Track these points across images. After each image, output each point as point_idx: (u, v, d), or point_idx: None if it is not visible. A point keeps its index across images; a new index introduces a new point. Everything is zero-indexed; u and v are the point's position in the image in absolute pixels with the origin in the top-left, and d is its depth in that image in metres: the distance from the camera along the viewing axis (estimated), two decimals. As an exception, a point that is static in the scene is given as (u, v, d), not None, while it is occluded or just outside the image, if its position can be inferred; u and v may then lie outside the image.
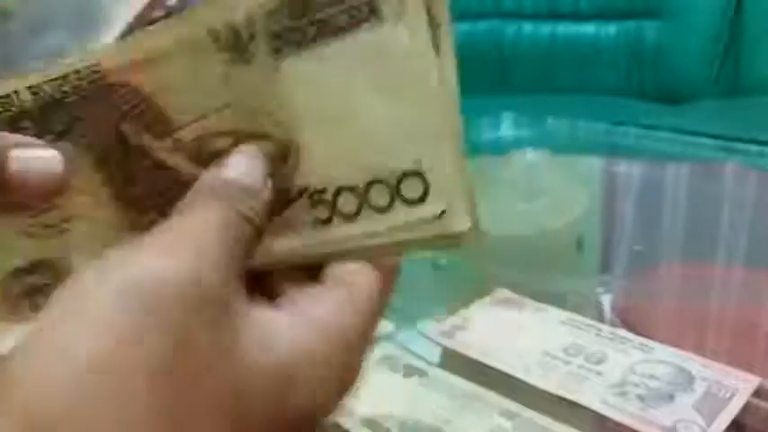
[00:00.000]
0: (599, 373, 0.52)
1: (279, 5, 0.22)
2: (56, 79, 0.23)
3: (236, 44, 0.22)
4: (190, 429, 0.20)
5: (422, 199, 0.23)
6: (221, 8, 0.22)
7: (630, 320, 0.60)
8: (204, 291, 0.21)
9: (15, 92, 0.23)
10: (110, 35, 0.24)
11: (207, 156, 0.23)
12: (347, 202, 0.23)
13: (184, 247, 0.22)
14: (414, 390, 0.51)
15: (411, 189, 0.23)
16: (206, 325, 0.21)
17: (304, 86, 0.22)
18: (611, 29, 2.02)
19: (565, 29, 2.07)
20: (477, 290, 0.65)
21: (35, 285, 0.25)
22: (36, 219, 0.24)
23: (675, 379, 0.51)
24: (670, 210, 0.92)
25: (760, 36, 1.85)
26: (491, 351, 0.56)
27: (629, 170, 1.08)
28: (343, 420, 0.47)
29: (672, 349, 0.54)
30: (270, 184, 0.24)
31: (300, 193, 0.23)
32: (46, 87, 0.23)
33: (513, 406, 0.49)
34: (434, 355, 0.57)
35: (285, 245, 0.24)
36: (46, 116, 0.23)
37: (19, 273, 0.25)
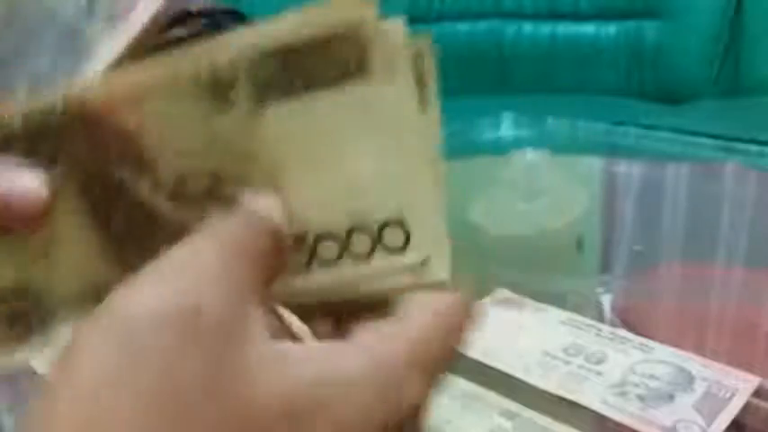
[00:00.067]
0: (599, 373, 0.52)
1: (264, 55, 0.22)
2: (42, 108, 0.23)
3: (216, 89, 0.22)
4: None
5: (403, 248, 0.23)
6: (206, 52, 0.23)
7: (630, 320, 0.60)
8: (197, 318, 0.20)
9: (7, 115, 0.23)
10: (93, 66, 0.25)
11: (188, 196, 0.23)
12: (328, 249, 0.23)
13: (176, 274, 0.21)
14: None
15: (393, 238, 0.23)
16: (201, 355, 0.19)
17: (287, 133, 0.23)
18: (611, 29, 2.02)
19: (565, 29, 2.07)
20: (476, 290, 0.65)
21: (16, 310, 0.25)
22: (19, 243, 0.24)
23: (675, 379, 0.51)
24: (670, 210, 0.92)
25: (760, 36, 1.85)
26: (491, 351, 0.56)
27: (629, 170, 1.08)
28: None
29: (672, 349, 0.54)
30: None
31: None
32: (33, 115, 0.23)
33: (513, 406, 0.49)
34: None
35: None
36: (33, 142, 0.23)
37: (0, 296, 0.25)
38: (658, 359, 0.53)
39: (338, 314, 0.25)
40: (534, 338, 0.57)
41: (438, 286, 0.24)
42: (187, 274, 0.21)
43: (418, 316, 0.24)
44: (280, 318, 0.25)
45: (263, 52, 0.22)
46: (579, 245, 0.78)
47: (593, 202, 0.91)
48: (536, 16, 2.11)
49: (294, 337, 0.25)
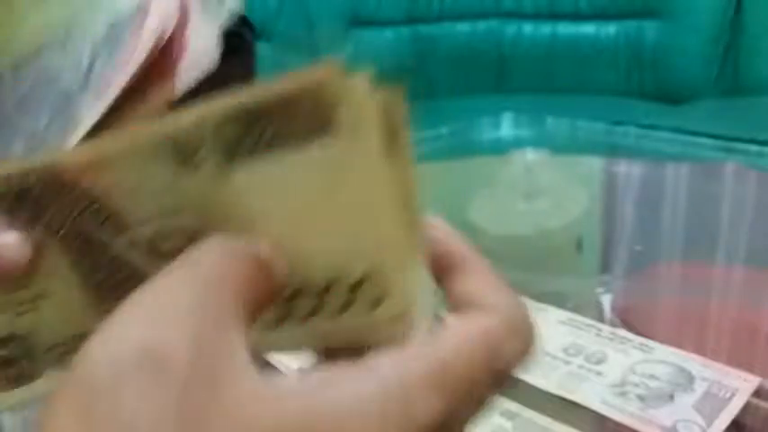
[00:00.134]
0: (599, 373, 0.52)
1: (229, 118, 0.23)
2: (24, 171, 0.24)
3: (182, 153, 0.23)
4: None
5: (379, 301, 0.23)
6: (172, 119, 0.23)
7: (630, 320, 0.60)
8: (164, 361, 0.18)
9: None
10: (78, 132, 0.25)
11: (164, 252, 0.24)
12: (303, 304, 0.23)
13: (143, 313, 0.20)
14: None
15: (368, 292, 0.23)
16: (170, 402, 0.18)
17: (258, 191, 0.23)
18: (611, 29, 2.02)
19: (565, 29, 2.07)
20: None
21: (6, 358, 0.26)
22: (8, 296, 0.25)
23: (675, 379, 0.51)
24: (670, 210, 0.92)
25: (760, 36, 1.85)
26: (491, 351, 0.56)
27: (629, 170, 1.08)
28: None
29: (672, 349, 0.54)
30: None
31: None
32: (15, 177, 0.24)
33: (513, 406, 0.49)
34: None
35: None
36: (16, 202, 0.24)
37: None
38: (658, 359, 0.53)
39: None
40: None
41: (417, 332, 0.23)
42: (154, 312, 0.20)
43: (444, 338, 0.23)
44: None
45: (228, 115, 0.23)
46: (579, 245, 0.78)
47: (593, 202, 0.91)
48: (536, 16, 2.11)
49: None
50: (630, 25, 2.00)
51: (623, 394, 0.50)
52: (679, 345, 0.55)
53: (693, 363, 0.52)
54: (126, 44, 0.25)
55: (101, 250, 0.24)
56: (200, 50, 0.27)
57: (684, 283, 0.72)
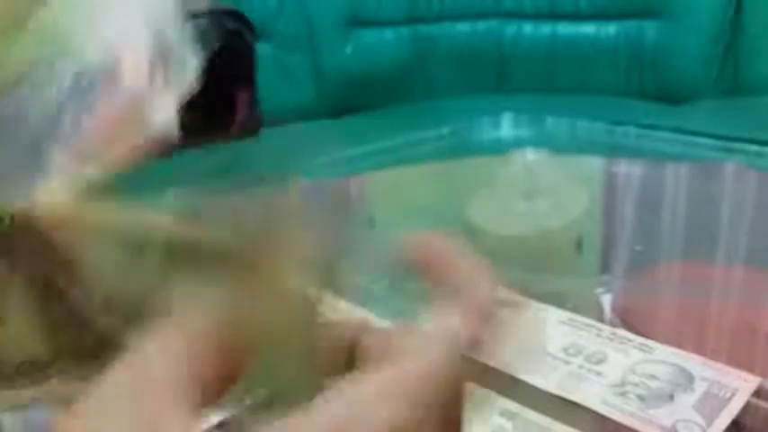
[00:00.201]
0: (599, 373, 0.52)
1: (174, 239, 0.25)
2: None
3: (134, 243, 0.25)
4: None
5: None
6: (130, 209, 0.25)
7: (630, 320, 0.60)
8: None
9: None
10: (48, 181, 0.26)
11: (116, 311, 0.25)
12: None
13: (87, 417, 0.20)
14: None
15: None
16: None
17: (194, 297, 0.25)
18: (611, 29, 2.02)
19: (565, 29, 2.07)
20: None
21: None
22: None
23: (675, 379, 0.51)
24: (670, 210, 0.92)
25: (760, 36, 1.85)
26: (491, 351, 0.55)
27: (629, 170, 1.08)
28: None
29: (672, 349, 0.54)
30: None
31: None
32: None
33: (513, 406, 0.49)
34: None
35: None
36: None
37: None
38: (658, 359, 0.53)
39: None
40: (534, 338, 0.57)
41: None
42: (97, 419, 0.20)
43: (398, 357, 0.24)
44: None
45: (165, 232, 0.25)
46: (579, 245, 0.78)
47: (593, 202, 0.91)
48: (536, 16, 2.11)
49: None
50: (630, 25, 1.99)
51: (623, 394, 0.50)
52: (679, 345, 0.55)
53: (693, 363, 0.52)
54: (96, 99, 0.25)
55: (60, 295, 0.25)
56: (159, 119, 0.27)
57: (684, 283, 0.72)
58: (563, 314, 0.60)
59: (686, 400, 0.48)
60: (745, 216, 0.88)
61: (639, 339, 0.55)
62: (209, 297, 0.24)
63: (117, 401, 0.20)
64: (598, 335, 0.57)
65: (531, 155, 0.86)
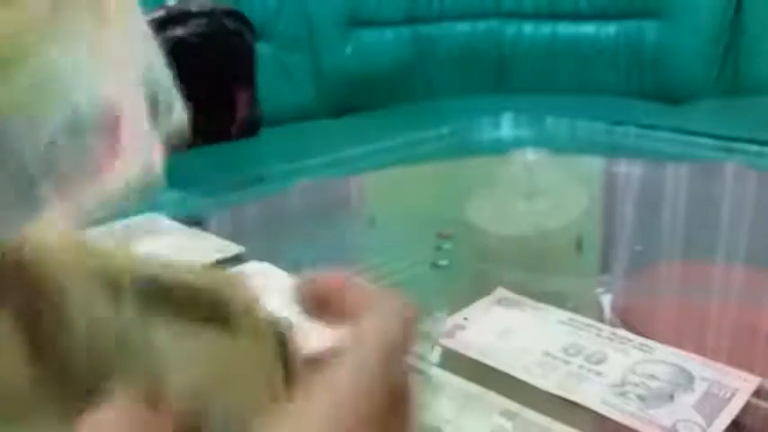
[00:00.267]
0: (599, 373, 0.52)
1: (144, 278, 0.26)
2: None
3: (113, 287, 0.26)
4: None
5: None
6: (108, 256, 0.26)
7: (630, 320, 0.60)
8: None
9: None
10: (40, 218, 0.27)
11: (99, 350, 0.25)
12: None
13: None
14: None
15: None
16: None
17: (173, 348, 0.26)
18: (611, 29, 2.02)
19: (565, 29, 2.07)
20: (477, 290, 0.65)
21: None
22: None
23: (675, 379, 0.51)
24: (670, 210, 0.92)
25: (760, 36, 1.85)
26: (491, 351, 0.56)
27: (629, 170, 1.08)
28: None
29: (672, 349, 0.54)
30: None
31: None
32: None
33: (513, 406, 0.49)
34: (434, 355, 0.57)
35: None
36: None
37: None
38: (658, 359, 0.53)
39: None
40: (534, 338, 0.57)
41: None
42: None
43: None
44: None
45: (143, 276, 0.26)
46: (579, 245, 0.78)
47: (593, 202, 0.91)
48: (536, 16, 2.11)
49: None
50: (630, 25, 2.00)
51: (623, 394, 0.50)
52: (679, 345, 0.55)
53: (693, 363, 0.52)
54: (90, 139, 0.26)
55: (46, 331, 0.25)
56: (145, 163, 0.27)
57: (684, 282, 0.72)
58: (563, 314, 0.60)
59: (686, 400, 0.48)
60: (745, 216, 0.88)
61: (639, 339, 0.55)
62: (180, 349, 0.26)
63: None
64: (598, 335, 0.57)
65: (531, 155, 0.86)
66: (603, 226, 0.89)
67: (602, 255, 0.80)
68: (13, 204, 0.25)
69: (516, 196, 0.83)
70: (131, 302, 0.25)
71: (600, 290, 0.67)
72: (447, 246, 0.75)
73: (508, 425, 0.47)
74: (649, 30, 1.97)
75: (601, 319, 0.60)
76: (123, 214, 0.76)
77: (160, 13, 1.69)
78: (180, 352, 0.26)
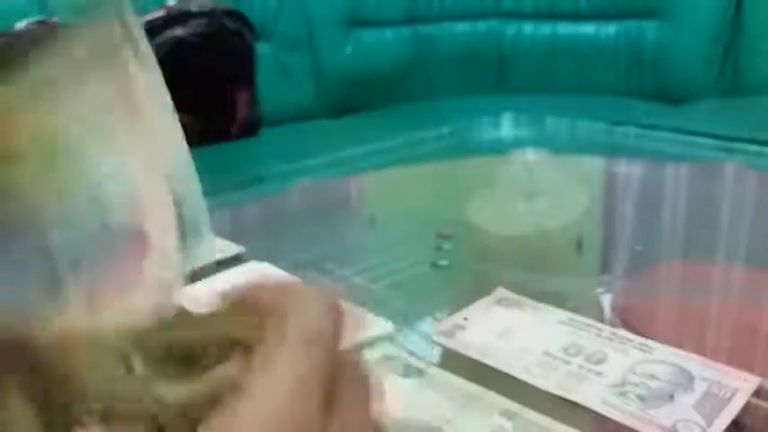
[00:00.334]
0: (599, 373, 0.52)
1: (158, 344, 0.26)
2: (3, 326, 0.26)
3: (122, 356, 0.26)
4: None
5: None
6: (121, 322, 0.26)
7: (630, 320, 0.60)
8: None
9: None
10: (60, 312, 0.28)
11: (116, 419, 0.26)
12: None
13: None
14: (414, 390, 0.51)
15: None
16: None
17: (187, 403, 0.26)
18: (611, 29, 2.02)
19: (565, 29, 2.07)
20: (477, 290, 0.65)
21: None
22: None
23: (675, 379, 0.51)
24: (670, 210, 0.92)
25: (760, 36, 1.85)
26: (491, 351, 0.56)
27: (629, 170, 1.08)
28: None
29: (672, 349, 0.54)
30: None
31: None
32: None
33: (513, 406, 0.49)
34: (434, 355, 0.57)
35: None
36: None
37: None
38: (658, 359, 0.53)
39: None
40: (534, 338, 0.57)
41: None
42: None
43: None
44: None
45: (158, 344, 0.26)
46: (579, 245, 0.78)
47: (593, 202, 0.91)
48: (536, 16, 2.11)
49: None
50: (630, 25, 2.00)
51: (623, 394, 0.50)
52: (679, 345, 0.55)
53: (693, 363, 0.52)
54: (118, 251, 0.27)
55: (60, 409, 0.26)
56: (167, 281, 0.28)
57: (684, 282, 0.72)
58: (563, 314, 0.60)
59: (686, 400, 0.48)
60: (745, 216, 0.88)
61: (639, 339, 0.55)
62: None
63: None
64: (598, 335, 0.57)
65: (531, 155, 0.86)
66: (603, 226, 0.89)
67: (602, 255, 0.80)
68: (36, 291, 0.26)
69: (516, 196, 0.83)
70: (144, 367, 0.26)
71: (600, 290, 0.67)
72: (447, 246, 0.75)
73: (508, 425, 0.47)
74: (649, 30, 1.97)
75: (601, 319, 0.60)
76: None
77: (160, 13, 1.70)
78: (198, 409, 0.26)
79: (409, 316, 0.62)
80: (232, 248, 0.72)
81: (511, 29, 2.14)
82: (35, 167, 0.26)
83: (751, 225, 0.84)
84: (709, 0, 1.89)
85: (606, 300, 0.66)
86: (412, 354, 0.56)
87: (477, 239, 0.80)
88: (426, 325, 0.61)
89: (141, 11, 1.93)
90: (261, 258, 0.71)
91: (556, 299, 0.62)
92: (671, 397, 0.49)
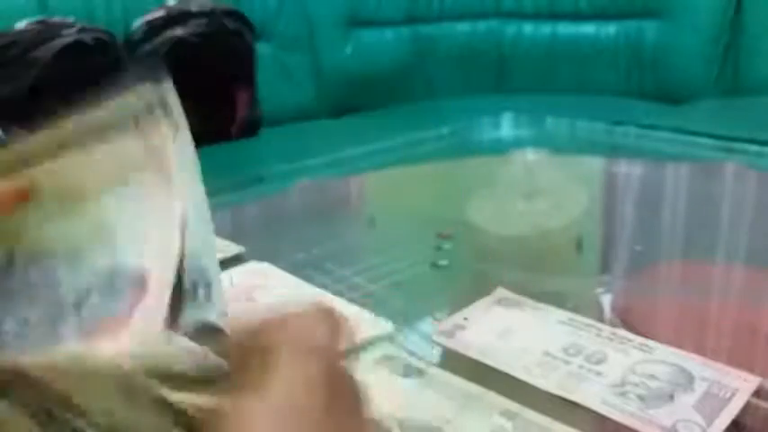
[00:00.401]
0: (599, 373, 0.52)
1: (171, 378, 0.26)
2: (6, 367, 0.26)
3: (130, 387, 0.26)
4: None
5: None
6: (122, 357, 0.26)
7: (630, 320, 0.60)
8: None
9: None
10: (57, 343, 0.28)
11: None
12: None
13: None
14: (414, 390, 0.51)
15: None
16: None
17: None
18: (611, 29, 2.02)
19: (565, 29, 2.07)
20: (477, 290, 0.65)
21: None
22: None
23: (675, 379, 0.51)
24: (670, 210, 0.92)
25: (760, 36, 1.85)
26: (491, 351, 0.56)
27: (629, 170, 1.08)
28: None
29: (672, 349, 0.54)
30: None
31: None
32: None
33: (513, 406, 0.49)
34: (434, 355, 0.57)
35: None
36: None
37: None
38: (658, 359, 0.53)
39: None
40: (534, 338, 0.57)
41: None
42: None
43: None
44: None
45: (172, 379, 0.26)
46: (579, 245, 0.78)
47: (593, 202, 0.91)
48: (536, 16, 2.11)
49: None
50: (630, 25, 2.00)
51: (623, 394, 0.50)
52: (679, 345, 0.55)
53: (693, 363, 0.52)
54: (118, 300, 0.28)
55: (64, 425, 0.26)
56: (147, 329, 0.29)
57: (684, 282, 0.72)
58: (563, 314, 0.60)
59: (686, 400, 0.48)
60: (745, 216, 0.88)
61: (639, 339, 0.55)
62: None
63: None
64: (598, 335, 0.57)
65: (531, 155, 0.86)
66: (603, 226, 0.89)
67: (602, 255, 0.80)
68: (38, 331, 0.27)
69: (516, 196, 0.83)
70: (150, 394, 0.26)
71: (600, 290, 0.67)
72: (447, 246, 0.75)
73: (508, 425, 0.47)
74: (649, 30, 1.97)
75: (601, 319, 0.60)
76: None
77: (160, 13, 1.70)
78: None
79: (409, 316, 0.62)
80: (232, 248, 0.72)
81: (511, 29, 2.14)
82: (51, 209, 0.27)
83: (751, 225, 0.84)
84: (709, 0, 1.89)
85: (606, 300, 0.66)
86: (412, 354, 0.56)
87: (477, 239, 0.80)
88: (426, 325, 0.61)
89: (141, 11, 1.93)
90: (261, 258, 0.71)
91: (556, 299, 0.62)
92: (671, 397, 0.49)
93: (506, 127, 1.74)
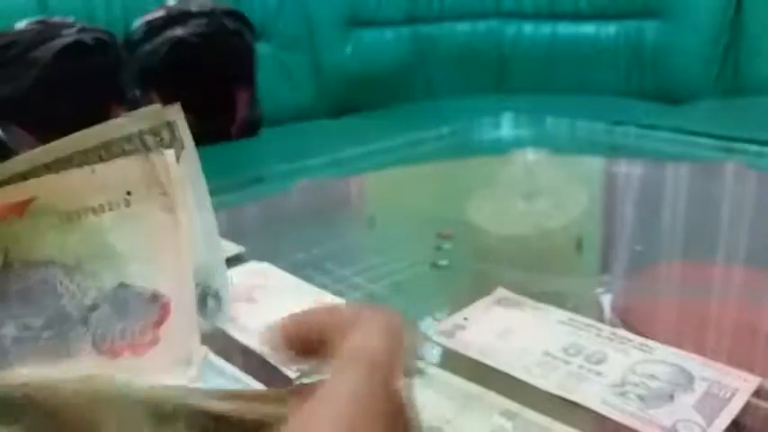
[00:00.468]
0: (599, 373, 0.52)
1: (198, 412, 0.26)
2: (11, 388, 0.26)
3: (160, 416, 0.26)
4: None
5: None
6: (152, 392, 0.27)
7: (630, 320, 0.60)
8: None
9: None
10: (69, 364, 0.28)
11: None
12: None
13: None
14: (414, 390, 0.51)
15: None
16: None
17: None
18: (611, 29, 2.02)
19: (565, 29, 2.07)
20: (477, 290, 0.65)
21: None
22: None
23: (675, 379, 0.51)
24: (670, 210, 0.92)
25: (760, 36, 1.85)
26: (491, 351, 0.56)
27: (629, 170, 1.08)
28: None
29: (672, 349, 0.54)
30: None
31: None
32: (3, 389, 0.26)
33: (513, 406, 0.49)
34: (434, 355, 0.57)
35: None
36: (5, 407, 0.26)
37: None
38: (658, 359, 0.53)
39: None
40: (534, 338, 0.57)
41: None
42: None
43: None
44: None
45: (198, 409, 0.26)
46: (579, 245, 0.78)
47: (593, 202, 0.91)
48: (536, 16, 2.11)
49: None
50: (630, 25, 2.00)
51: (623, 394, 0.50)
52: (679, 345, 0.55)
53: (693, 363, 0.52)
54: (132, 314, 0.28)
55: None
56: (177, 347, 0.29)
57: (684, 282, 0.72)
58: (563, 314, 0.60)
59: (686, 400, 0.48)
60: (745, 216, 0.88)
61: (639, 339, 0.55)
62: None
63: None
64: (598, 335, 0.57)
65: (531, 155, 0.86)
66: (603, 226, 0.89)
67: (602, 255, 0.80)
68: (47, 343, 0.27)
69: (516, 196, 0.83)
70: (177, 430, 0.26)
71: (600, 290, 0.67)
72: (447, 246, 0.75)
73: (508, 425, 0.47)
74: (649, 30, 1.97)
75: (601, 319, 0.60)
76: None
77: (160, 13, 1.70)
78: None
79: (409, 316, 0.62)
80: (232, 248, 0.72)
81: (511, 29, 2.14)
82: (48, 220, 0.27)
83: (751, 225, 0.84)
84: (709, 0, 1.89)
85: (606, 300, 0.66)
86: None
87: (477, 239, 0.80)
88: (426, 325, 0.61)
89: (141, 11, 1.93)
90: (261, 258, 0.71)
91: (556, 299, 0.62)
92: (671, 397, 0.49)
93: (506, 127, 1.74)
